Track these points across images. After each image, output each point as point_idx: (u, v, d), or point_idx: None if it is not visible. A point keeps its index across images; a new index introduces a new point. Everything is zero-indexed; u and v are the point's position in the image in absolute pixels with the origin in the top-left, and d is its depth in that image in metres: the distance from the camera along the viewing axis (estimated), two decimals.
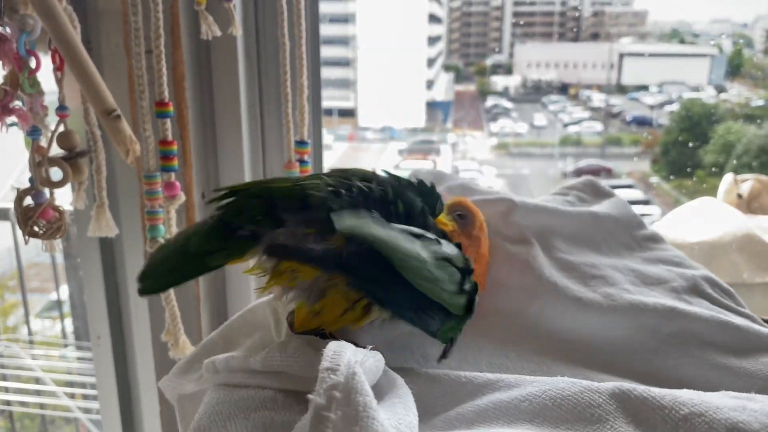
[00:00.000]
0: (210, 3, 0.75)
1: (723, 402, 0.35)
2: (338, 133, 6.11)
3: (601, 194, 0.78)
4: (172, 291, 0.77)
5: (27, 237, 0.70)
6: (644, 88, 5.02)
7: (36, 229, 0.70)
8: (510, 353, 0.58)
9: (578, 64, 5.69)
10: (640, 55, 5.33)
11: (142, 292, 0.49)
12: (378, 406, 0.31)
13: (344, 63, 6.10)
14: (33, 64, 0.67)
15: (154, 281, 0.50)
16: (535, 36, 6.07)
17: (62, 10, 0.68)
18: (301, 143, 0.80)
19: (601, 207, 0.74)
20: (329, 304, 0.45)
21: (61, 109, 0.73)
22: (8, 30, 0.65)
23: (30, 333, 2.16)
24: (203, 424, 0.38)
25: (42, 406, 1.92)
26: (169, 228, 0.73)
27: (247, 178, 0.93)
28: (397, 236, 0.45)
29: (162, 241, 0.71)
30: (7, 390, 1.84)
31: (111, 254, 0.98)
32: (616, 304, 0.60)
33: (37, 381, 1.87)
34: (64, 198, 0.74)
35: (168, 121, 0.69)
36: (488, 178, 5.73)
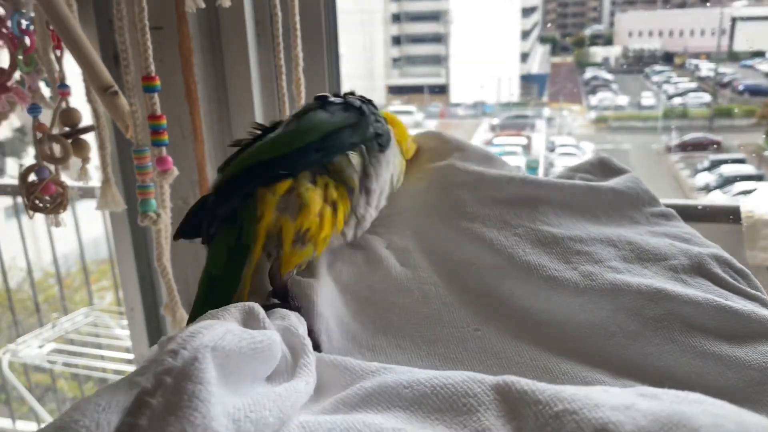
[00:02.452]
0: None
1: (608, 399, 0.30)
2: (429, 110, 6.07)
3: (613, 171, 0.72)
4: (168, 265, 0.78)
5: (30, 212, 0.73)
6: (759, 54, 4.63)
7: (38, 203, 0.73)
8: (478, 330, 0.55)
9: (685, 32, 5.31)
10: (755, 19, 4.91)
11: None
12: (212, 395, 0.29)
13: (436, 39, 6.03)
14: (28, 43, 0.69)
15: None
16: (637, 3, 5.72)
17: None
18: None
19: (608, 182, 0.68)
20: (309, 202, 0.53)
21: (62, 87, 0.75)
22: (2, 10, 0.68)
23: (119, 304, 2.31)
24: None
25: None
26: (163, 202, 0.74)
27: None
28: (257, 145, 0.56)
29: (153, 215, 0.72)
30: (103, 358, 1.97)
31: (141, 229, 1.01)
32: (595, 284, 0.55)
33: (128, 350, 2.00)
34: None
35: (155, 96, 0.70)
36: (587, 154, 5.51)
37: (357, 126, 0.59)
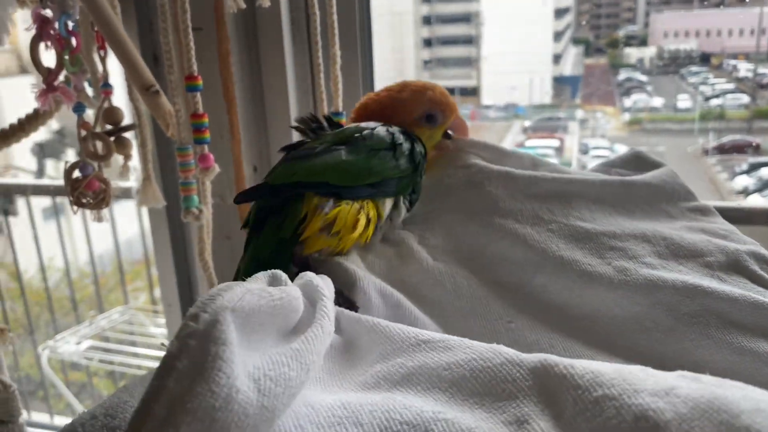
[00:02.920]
0: None
1: (648, 383, 0.30)
2: (460, 112, 6.03)
3: (648, 165, 0.72)
4: (209, 260, 0.80)
5: (75, 207, 0.76)
6: None
7: (82, 199, 0.75)
8: (511, 322, 0.55)
9: (722, 32, 5.21)
10: None
11: None
12: (234, 355, 0.31)
13: (467, 41, 6.01)
14: (74, 43, 0.72)
15: None
16: (673, 3, 5.63)
17: None
18: (336, 114, 0.80)
19: (642, 176, 0.68)
20: (343, 208, 0.58)
21: (105, 87, 0.77)
22: (50, 12, 0.70)
23: (153, 302, 2.35)
24: None
25: None
26: (204, 198, 0.76)
27: None
28: (322, 159, 0.59)
29: (195, 211, 0.74)
30: (137, 355, 2.01)
31: (180, 226, 1.04)
32: (629, 279, 0.55)
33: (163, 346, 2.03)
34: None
35: (198, 95, 0.72)
36: None
37: (409, 178, 0.65)
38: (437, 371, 0.37)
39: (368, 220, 0.60)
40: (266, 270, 0.54)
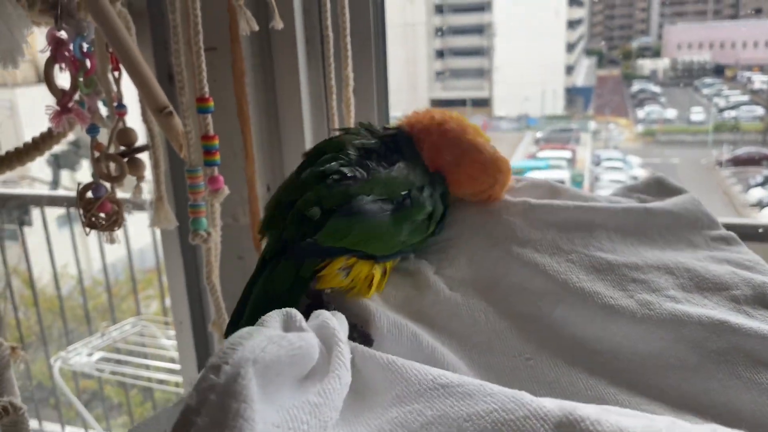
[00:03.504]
0: None
1: None
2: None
3: (670, 191, 0.70)
4: (217, 283, 0.79)
5: (87, 228, 0.75)
6: None
7: (95, 220, 0.74)
8: (530, 359, 0.54)
9: (736, 44, 5.18)
10: None
11: None
12: (256, 413, 0.29)
13: (479, 52, 6.01)
14: (88, 65, 0.71)
15: None
16: (687, 15, 5.61)
17: (116, 14, 0.72)
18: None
19: (664, 204, 0.66)
20: (357, 270, 0.56)
21: (119, 108, 0.77)
22: (65, 34, 0.70)
23: (165, 312, 2.35)
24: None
25: (178, 383, 2.08)
26: (213, 221, 0.75)
27: None
28: (367, 231, 0.56)
29: (204, 234, 0.73)
30: (148, 367, 2.01)
31: (191, 246, 1.03)
32: (653, 314, 0.53)
33: (173, 360, 2.03)
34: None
35: (209, 117, 0.71)
36: (633, 169, 5.40)
37: (433, 236, 0.65)
38: (458, 422, 0.35)
39: (384, 272, 0.59)
40: (278, 302, 0.52)
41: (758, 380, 0.49)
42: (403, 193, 0.59)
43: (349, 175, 0.57)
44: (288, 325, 0.42)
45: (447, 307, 0.58)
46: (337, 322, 0.44)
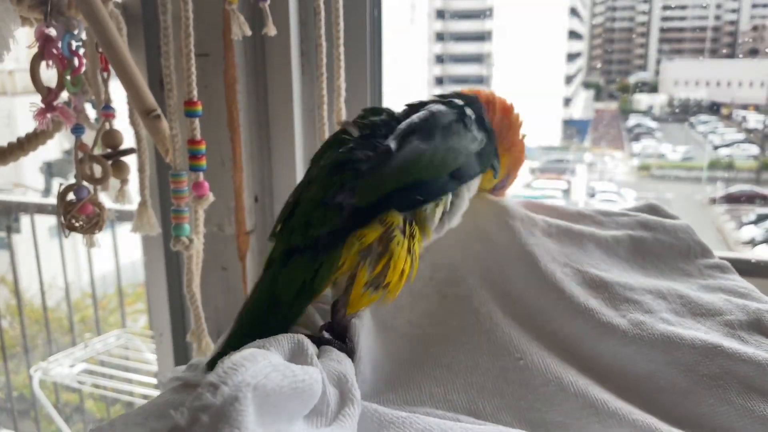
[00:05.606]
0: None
1: None
2: None
3: (663, 218, 0.69)
4: (197, 293, 0.77)
5: (66, 231, 0.73)
6: None
7: (74, 223, 0.72)
8: (520, 361, 0.52)
9: (732, 82, 5.23)
10: None
11: None
12: None
13: (478, 81, 6.05)
14: (76, 63, 0.70)
15: None
16: (685, 52, 5.67)
17: (107, 13, 0.71)
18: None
19: (656, 234, 0.65)
20: (393, 257, 0.50)
21: (107, 109, 0.75)
22: (54, 31, 0.69)
23: (151, 328, 2.31)
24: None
25: None
26: (196, 227, 0.73)
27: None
28: (401, 162, 0.51)
29: (185, 240, 0.71)
30: (131, 381, 1.97)
31: (174, 255, 1.01)
32: (644, 334, 0.52)
33: (156, 374, 1.99)
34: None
35: (196, 121, 0.70)
36: (627, 202, 5.42)
37: (484, 152, 0.59)
38: None
39: (411, 259, 0.52)
40: (281, 309, 0.49)
41: (750, 407, 0.47)
42: (416, 120, 0.55)
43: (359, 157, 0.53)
44: (296, 354, 0.39)
45: (438, 313, 0.57)
46: (352, 375, 0.41)
